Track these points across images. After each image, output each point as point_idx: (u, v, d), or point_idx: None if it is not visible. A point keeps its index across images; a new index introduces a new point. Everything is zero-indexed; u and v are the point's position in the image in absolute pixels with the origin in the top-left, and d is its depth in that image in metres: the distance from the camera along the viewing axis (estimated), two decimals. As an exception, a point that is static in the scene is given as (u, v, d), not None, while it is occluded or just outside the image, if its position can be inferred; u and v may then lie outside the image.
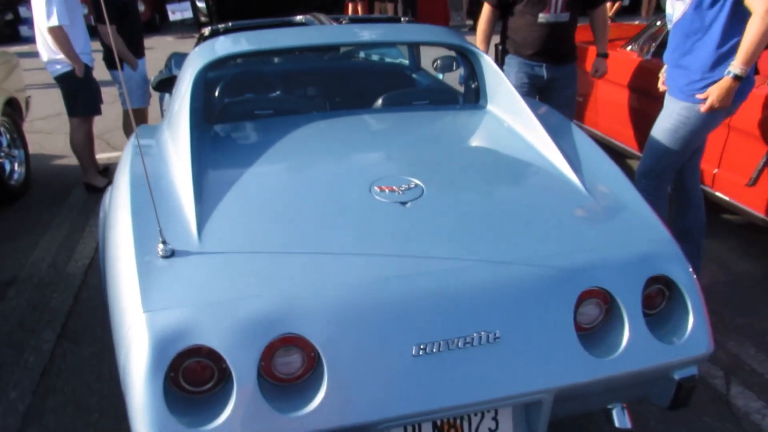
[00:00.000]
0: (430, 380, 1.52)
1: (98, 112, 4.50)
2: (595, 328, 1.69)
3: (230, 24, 3.35)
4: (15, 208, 4.31)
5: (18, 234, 3.90)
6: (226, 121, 2.54)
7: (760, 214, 3.18)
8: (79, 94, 4.31)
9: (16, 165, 4.53)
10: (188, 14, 10.86)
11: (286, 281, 1.57)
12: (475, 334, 1.54)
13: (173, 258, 1.64)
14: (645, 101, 3.91)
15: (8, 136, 4.47)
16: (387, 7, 11.30)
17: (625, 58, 4.12)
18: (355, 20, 3.36)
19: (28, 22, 12.26)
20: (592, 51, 4.39)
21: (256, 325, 1.48)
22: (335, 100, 3.17)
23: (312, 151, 2.26)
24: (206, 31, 3.35)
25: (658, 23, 4.07)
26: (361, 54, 3.89)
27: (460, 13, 12.73)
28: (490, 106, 2.60)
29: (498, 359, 1.56)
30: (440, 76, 3.58)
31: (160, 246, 1.63)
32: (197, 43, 3.35)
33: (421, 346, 1.51)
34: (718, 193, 3.45)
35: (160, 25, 12.86)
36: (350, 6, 11.12)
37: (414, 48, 3.66)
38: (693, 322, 1.69)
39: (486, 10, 3.48)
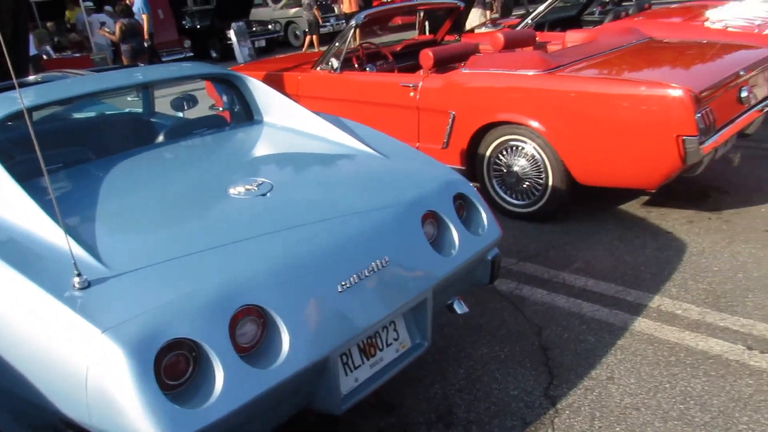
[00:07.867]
0: (354, 307, 1.93)
1: None
2: (435, 237, 2.30)
3: None
4: None
5: None
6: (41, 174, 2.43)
7: (458, 166, 4.24)
8: None
9: None
10: None
11: (220, 266, 1.80)
12: (373, 263, 2.00)
13: (90, 288, 1.70)
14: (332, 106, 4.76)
15: None
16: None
17: (320, 76, 4.93)
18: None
19: None
20: None
21: (214, 305, 1.69)
22: (114, 144, 3.17)
23: (153, 176, 2.42)
24: None
25: (337, 44, 4.93)
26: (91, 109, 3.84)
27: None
28: (267, 119, 3.03)
29: (392, 277, 2.04)
30: (180, 114, 3.80)
31: (76, 279, 1.68)
32: None
33: (342, 282, 1.91)
34: None
35: None
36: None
37: (149, 94, 3.80)
38: (485, 218, 2.43)
39: None
